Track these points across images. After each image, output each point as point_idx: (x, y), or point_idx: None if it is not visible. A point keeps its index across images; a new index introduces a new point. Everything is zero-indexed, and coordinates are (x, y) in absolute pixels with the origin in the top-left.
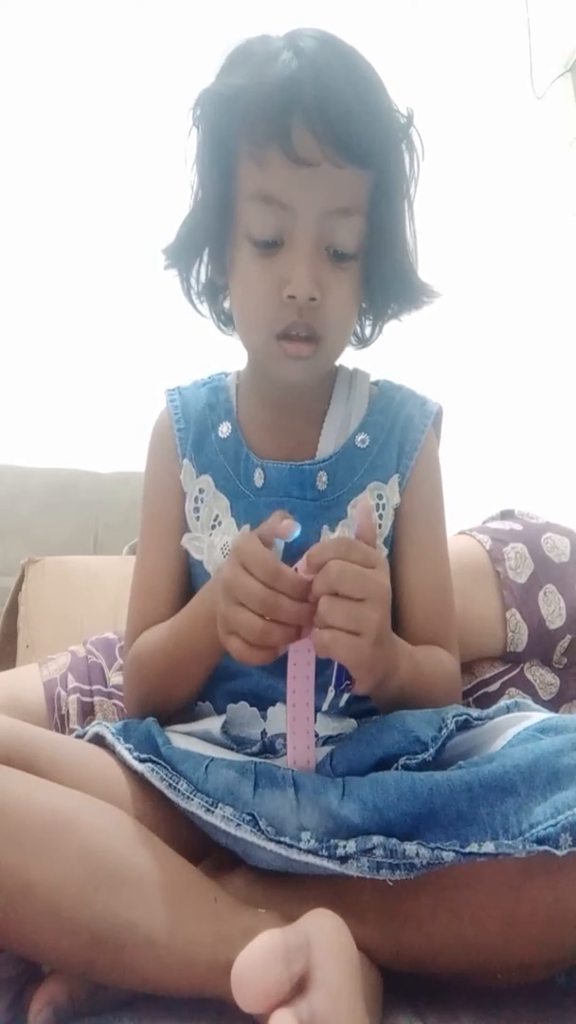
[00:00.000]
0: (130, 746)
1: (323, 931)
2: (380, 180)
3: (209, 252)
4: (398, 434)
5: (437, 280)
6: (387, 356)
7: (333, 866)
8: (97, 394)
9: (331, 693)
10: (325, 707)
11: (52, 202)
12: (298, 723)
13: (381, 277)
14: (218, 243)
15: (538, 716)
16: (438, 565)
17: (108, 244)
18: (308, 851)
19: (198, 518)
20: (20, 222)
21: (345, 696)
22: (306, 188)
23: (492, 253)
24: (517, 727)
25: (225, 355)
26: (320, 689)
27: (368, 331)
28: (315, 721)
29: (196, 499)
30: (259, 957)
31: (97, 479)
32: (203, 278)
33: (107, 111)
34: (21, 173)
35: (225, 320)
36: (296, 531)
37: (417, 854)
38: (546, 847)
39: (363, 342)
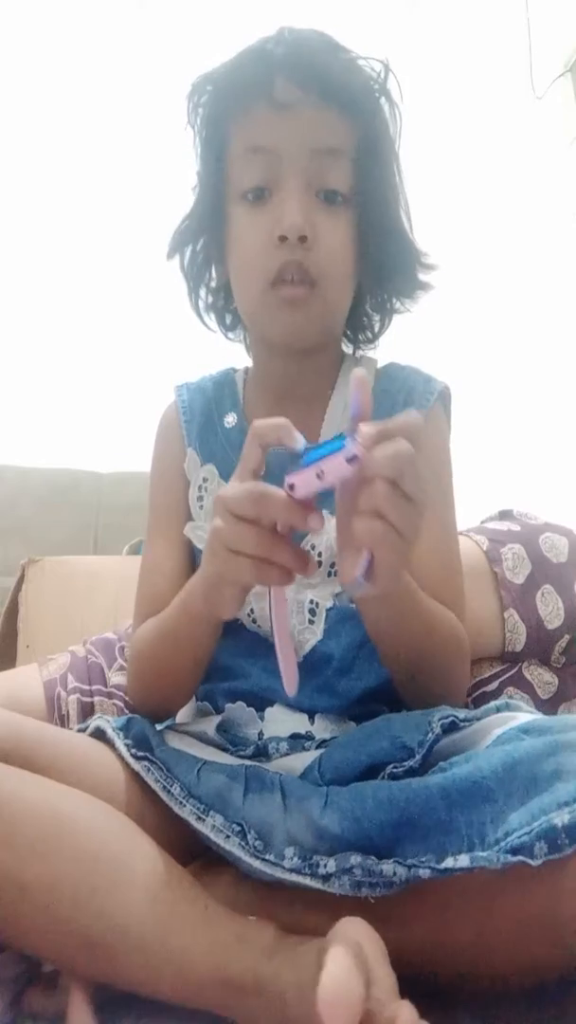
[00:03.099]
0: (129, 742)
1: (365, 936)
2: (365, 129)
3: (205, 231)
4: (400, 410)
5: (437, 280)
6: (387, 357)
7: (316, 884)
8: (97, 394)
9: (323, 614)
10: (329, 603)
11: (53, 205)
12: (284, 648)
13: (375, 230)
14: (213, 217)
15: (524, 717)
16: (444, 536)
17: (109, 247)
18: (291, 869)
19: (202, 507)
20: (21, 225)
21: (361, 587)
22: (290, 129)
23: (492, 253)
24: (502, 728)
25: (227, 356)
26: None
27: (376, 326)
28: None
29: (200, 488)
30: (344, 977)
31: (97, 479)
32: (213, 284)
33: (111, 110)
34: (22, 171)
35: (231, 324)
36: (299, 440)
37: (394, 873)
38: (521, 857)
39: (371, 339)
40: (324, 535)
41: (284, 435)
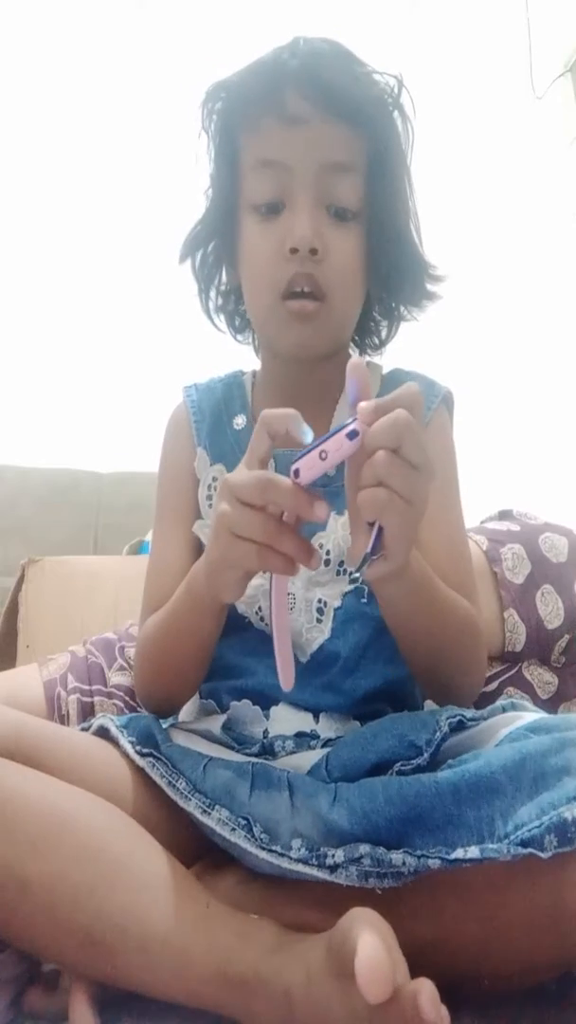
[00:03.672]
0: (133, 739)
1: (380, 923)
2: (376, 144)
3: (217, 237)
4: None
5: (442, 288)
6: (386, 358)
7: (323, 875)
8: (97, 394)
9: (331, 613)
10: (337, 603)
11: (53, 205)
12: (282, 640)
13: (385, 244)
14: (225, 224)
15: (530, 716)
16: (451, 529)
17: (110, 248)
18: (298, 860)
19: (211, 506)
20: (22, 225)
21: (369, 562)
22: (301, 144)
23: (492, 253)
24: (509, 727)
25: (228, 355)
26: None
27: (384, 333)
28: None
29: (209, 487)
30: (378, 953)
31: (97, 479)
32: (223, 286)
33: (111, 110)
34: (23, 172)
35: (240, 325)
36: (307, 432)
37: (403, 863)
38: (531, 849)
39: (378, 347)
40: (332, 534)
41: (292, 425)
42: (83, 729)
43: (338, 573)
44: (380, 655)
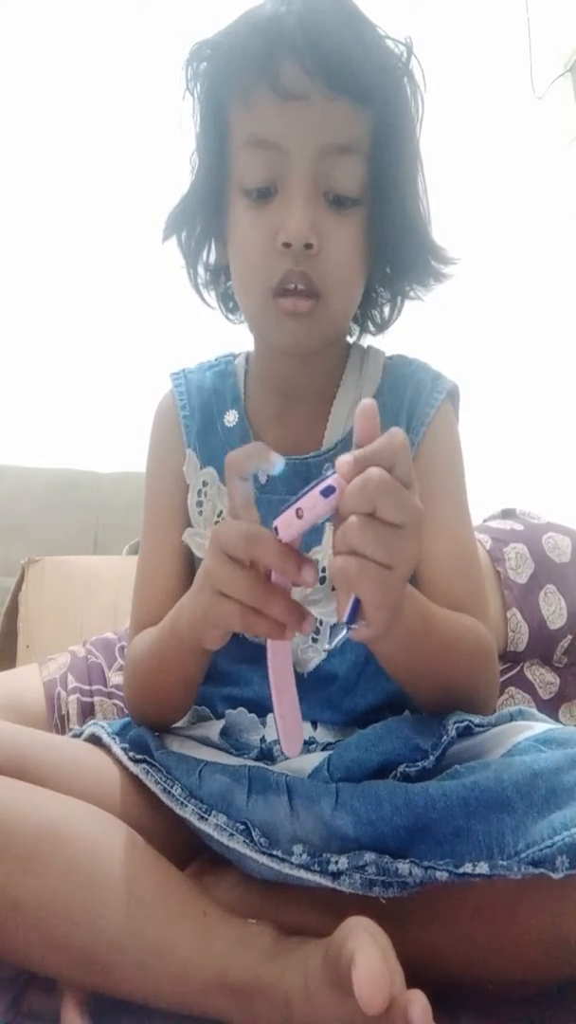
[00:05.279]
0: (125, 746)
1: (377, 931)
2: (382, 120)
3: (203, 216)
4: (406, 409)
5: (452, 271)
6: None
7: (325, 882)
8: (97, 394)
9: (327, 631)
10: (333, 620)
11: (51, 204)
12: (285, 704)
13: (390, 230)
14: (212, 202)
15: (540, 727)
16: (458, 534)
17: (108, 245)
18: (300, 866)
19: (201, 513)
20: (19, 222)
21: (342, 634)
22: (297, 124)
23: (492, 253)
24: (518, 737)
25: (231, 348)
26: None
27: (387, 311)
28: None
29: (199, 492)
30: (377, 964)
31: (97, 479)
32: (211, 262)
33: (108, 102)
34: (20, 177)
35: (232, 306)
36: (279, 463)
37: (410, 873)
38: (542, 869)
39: (380, 327)
40: (327, 549)
41: (260, 463)
42: (75, 735)
43: (333, 590)
44: (380, 671)
